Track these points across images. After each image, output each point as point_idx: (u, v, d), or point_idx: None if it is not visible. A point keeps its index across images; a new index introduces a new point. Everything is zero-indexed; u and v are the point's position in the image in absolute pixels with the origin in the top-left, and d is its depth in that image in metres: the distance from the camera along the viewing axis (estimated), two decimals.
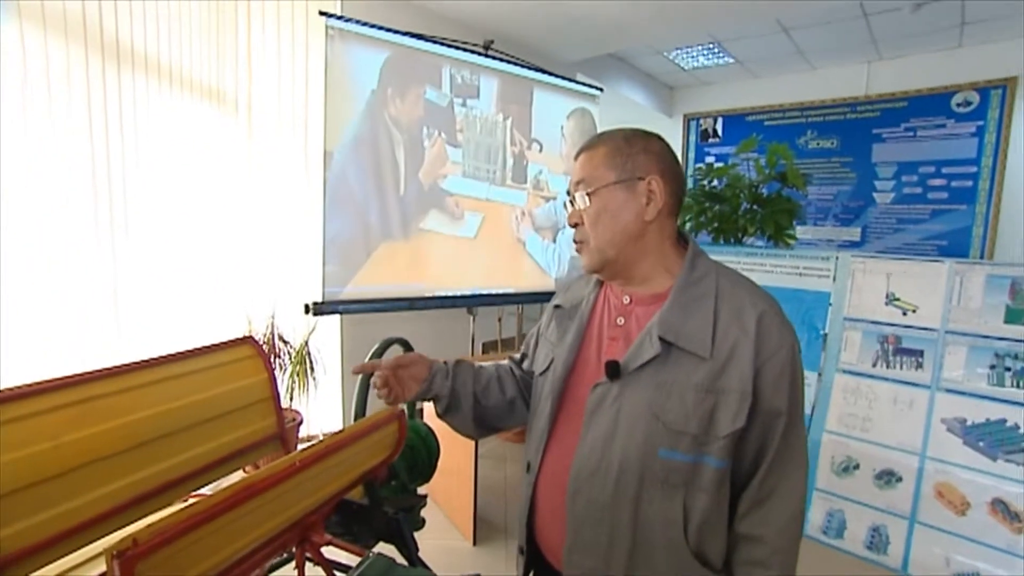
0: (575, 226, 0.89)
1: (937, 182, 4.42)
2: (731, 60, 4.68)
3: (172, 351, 1.11)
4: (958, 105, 4.35)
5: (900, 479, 2.41)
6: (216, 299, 2.73)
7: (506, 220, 3.46)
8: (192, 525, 0.68)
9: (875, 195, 4.64)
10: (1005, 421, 2.25)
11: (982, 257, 4.25)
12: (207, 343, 1.15)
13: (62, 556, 0.84)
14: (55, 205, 2.05)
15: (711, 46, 4.38)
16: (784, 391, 0.77)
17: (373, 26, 2.70)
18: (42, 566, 0.82)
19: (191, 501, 0.97)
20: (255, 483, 0.77)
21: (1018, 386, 2.23)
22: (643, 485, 0.79)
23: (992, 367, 2.31)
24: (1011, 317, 2.29)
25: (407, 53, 2.90)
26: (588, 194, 0.85)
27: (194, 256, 2.60)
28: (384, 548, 1.28)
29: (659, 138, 0.89)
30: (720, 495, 0.79)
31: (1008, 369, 2.28)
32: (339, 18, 2.58)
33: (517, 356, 1.12)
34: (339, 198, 2.73)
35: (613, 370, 0.82)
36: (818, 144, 4.84)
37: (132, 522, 0.91)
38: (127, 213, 2.28)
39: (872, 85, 4.61)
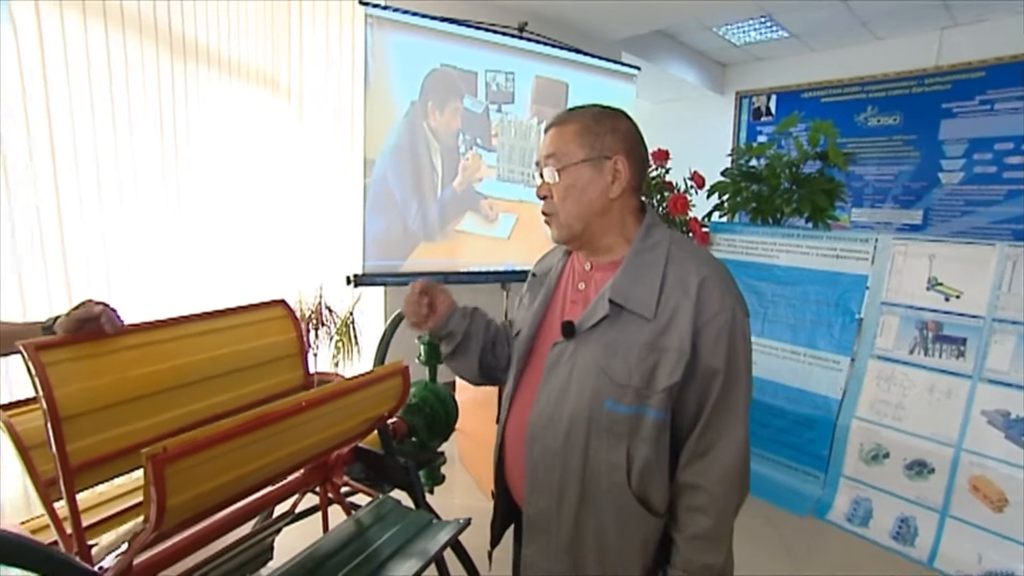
0: (544, 198, 0.96)
1: (1016, 160, 4.07)
2: (785, 34, 4.47)
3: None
4: None
5: (932, 470, 2.34)
6: (269, 273, 2.99)
7: (540, 220, 3.55)
8: (212, 441, 0.84)
9: (940, 175, 4.33)
10: None
11: None
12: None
13: (122, 472, 1.04)
14: (127, 190, 2.32)
15: (763, 19, 4.20)
16: (722, 352, 0.83)
17: (408, 12, 2.82)
18: (105, 479, 1.02)
19: None
20: (267, 414, 0.93)
21: None
22: (591, 434, 0.88)
23: None
24: None
25: (447, 70, 3.04)
26: (557, 170, 0.92)
27: (252, 232, 2.86)
28: (399, 497, 1.44)
29: (627, 117, 0.94)
30: (660, 445, 0.87)
31: None
32: (376, 6, 2.72)
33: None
34: (380, 200, 2.91)
35: (568, 330, 0.91)
36: (879, 121, 4.56)
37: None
38: (193, 192, 2.55)
39: (944, 55, 4.26)
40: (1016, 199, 4.08)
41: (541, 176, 0.95)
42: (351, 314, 3.21)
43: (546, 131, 0.96)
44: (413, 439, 1.84)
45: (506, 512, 1.10)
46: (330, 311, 3.16)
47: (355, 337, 3.23)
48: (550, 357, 0.93)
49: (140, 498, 1.21)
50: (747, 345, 0.87)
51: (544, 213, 0.97)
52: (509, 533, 1.17)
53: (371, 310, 3.41)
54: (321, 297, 3.13)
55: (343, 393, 1.08)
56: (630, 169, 0.91)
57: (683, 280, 0.85)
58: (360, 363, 3.21)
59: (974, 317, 2.32)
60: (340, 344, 3.19)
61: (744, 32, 4.50)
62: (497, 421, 1.07)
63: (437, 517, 1.34)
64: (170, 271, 2.50)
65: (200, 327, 1.22)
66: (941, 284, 2.39)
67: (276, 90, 2.88)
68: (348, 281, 2.88)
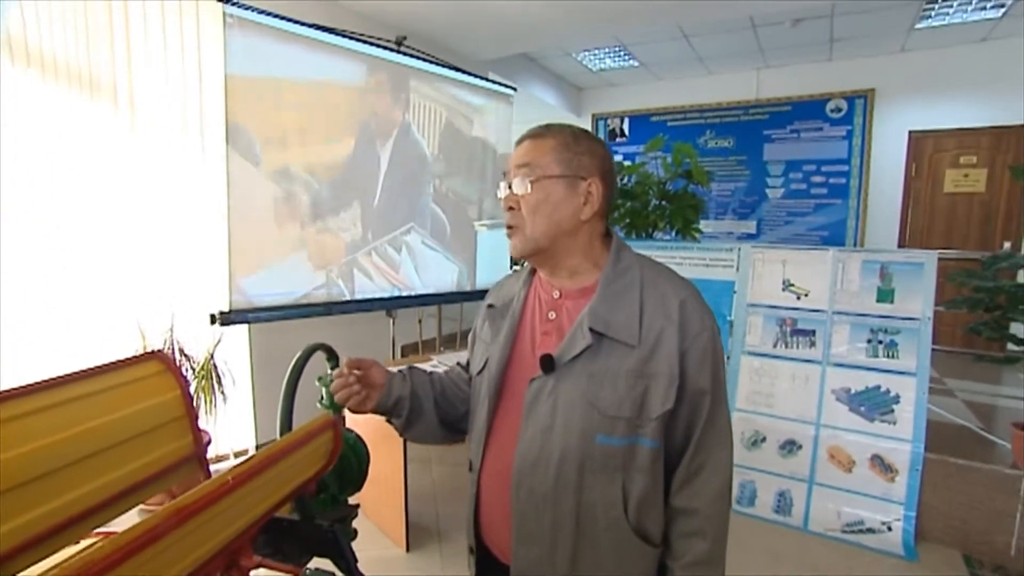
0: (510, 209, 0.89)
1: (818, 179, 4.97)
2: (635, 63, 4.94)
3: (68, 371, 0.98)
4: (831, 111, 4.90)
5: (800, 447, 2.66)
6: (105, 312, 2.44)
7: (430, 245, 3.43)
8: (108, 566, 0.60)
9: (767, 191, 5.13)
10: (879, 387, 2.57)
11: (855, 245, 4.82)
12: (101, 362, 1.02)
13: None
14: None
15: (617, 49, 4.59)
16: (707, 371, 0.82)
17: (277, 16, 2.53)
18: None
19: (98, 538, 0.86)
20: (185, 507, 0.70)
21: (889, 356, 2.56)
22: (583, 472, 0.82)
23: (868, 341, 2.62)
24: (881, 296, 2.62)
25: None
26: (531, 181, 0.86)
27: (74, 264, 2.31)
28: (318, 563, 1.22)
29: (602, 142, 0.92)
30: (655, 473, 0.84)
31: (880, 342, 2.60)
32: (238, 5, 2.39)
33: (464, 362, 1.10)
34: (247, 224, 2.57)
35: (547, 364, 0.83)
36: (716, 143, 5.26)
37: (28, 566, 0.79)
38: None
39: (762, 90, 5.07)
40: (821, 211, 4.97)
41: (509, 187, 0.88)
42: (211, 356, 2.75)
43: (519, 143, 0.89)
44: (322, 495, 1.60)
45: (482, 566, 0.98)
46: (185, 356, 2.67)
47: (218, 382, 2.77)
48: (528, 394, 0.85)
49: None
50: (724, 362, 0.87)
51: (508, 225, 0.90)
52: None
53: (233, 350, 2.93)
54: (173, 339, 2.63)
55: (275, 460, 0.87)
56: (603, 194, 0.88)
57: (663, 303, 0.84)
58: (227, 414, 2.76)
59: (819, 311, 2.71)
60: (201, 392, 2.71)
61: (599, 59, 4.87)
62: (470, 469, 0.94)
63: None
64: None
65: (45, 399, 0.91)
66: (793, 285, 2.76)
67: (96, 92, 2.35)
68: (213, 320, 2.46)
